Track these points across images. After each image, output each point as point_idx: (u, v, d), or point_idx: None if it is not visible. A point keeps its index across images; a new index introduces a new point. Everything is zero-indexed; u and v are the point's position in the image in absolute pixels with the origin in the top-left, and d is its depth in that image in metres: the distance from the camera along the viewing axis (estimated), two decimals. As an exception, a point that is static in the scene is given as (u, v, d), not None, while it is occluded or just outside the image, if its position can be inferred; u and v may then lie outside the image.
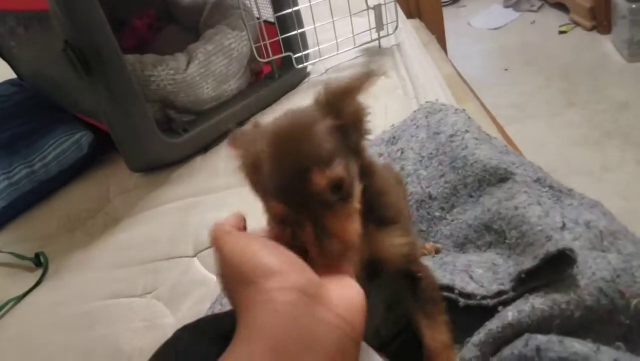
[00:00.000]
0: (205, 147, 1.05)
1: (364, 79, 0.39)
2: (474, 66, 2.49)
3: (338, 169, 0.35)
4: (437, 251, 0.61)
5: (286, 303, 0.31)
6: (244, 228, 0.41)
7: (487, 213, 0.56)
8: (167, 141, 0.99)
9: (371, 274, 0.44)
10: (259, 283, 0.32)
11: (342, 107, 0.38)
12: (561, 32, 2.55)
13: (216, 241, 0.38)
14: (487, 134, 0.77)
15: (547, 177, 0.69)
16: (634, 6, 1.98)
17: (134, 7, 1.34)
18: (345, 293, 0.34)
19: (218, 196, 0.93)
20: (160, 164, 1.02)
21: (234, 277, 0.34)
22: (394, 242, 0.44)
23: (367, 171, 0.41)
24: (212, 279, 0.78)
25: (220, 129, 1.04)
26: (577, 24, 2.52)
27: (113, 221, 0.97)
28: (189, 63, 1.01)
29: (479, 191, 0.59)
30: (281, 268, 0.32)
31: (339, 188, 0.36)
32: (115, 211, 0.99)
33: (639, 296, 0.43)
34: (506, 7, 2.90)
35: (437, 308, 0.46)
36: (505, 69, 2.40)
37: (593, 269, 0.45)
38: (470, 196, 0.60)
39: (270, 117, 1.09)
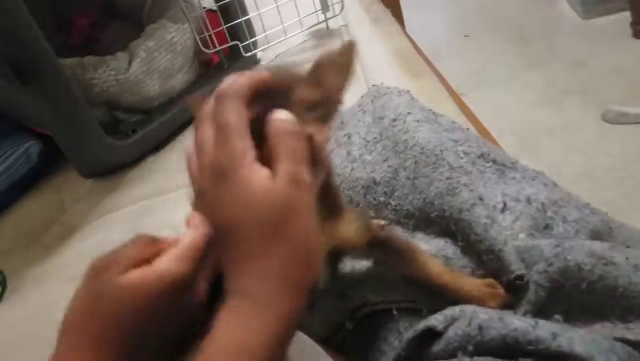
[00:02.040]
0: (156, 147, 1.03)
1: (348, 51, 0.39)
2: (435, 35, 2.48)
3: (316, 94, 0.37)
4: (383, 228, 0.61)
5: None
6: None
7: (430, 206, 0.56)
8: (116, 143, 0.96)
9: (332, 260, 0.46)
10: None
11: (325, 79, 0.39)
12: (517, -7, 2.55)
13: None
14: (433, 113, 0.77)
15: (491, 151, 0.69)
16: (585, -37, 1.99)
17: (75, 5, 1.28)
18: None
19: (173, 196, 0.91)
20: (111, 167, 1.00)
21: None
22: (354, 225, 0.45)
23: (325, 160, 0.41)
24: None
25: (171, 126, 1.02)
26: (532, -16, 2.53)
27: (69, 231, 0.94)
28: (130, 62, 0.98)
29: (415, 173, 0.59)
30: None
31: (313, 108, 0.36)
32: (71, 221, 0.97)
33: (572, 280, 0.44)
34: (462, -29, 2.88)
35: (417, 249, 0.50)
36: (466, 35, 2.40)
37: (530, 265, 0.46)
38: (408, 179, 0.60)
39: None
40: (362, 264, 0.54)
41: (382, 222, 0.61)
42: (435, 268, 0.50)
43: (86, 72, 0.95)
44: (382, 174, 0.62)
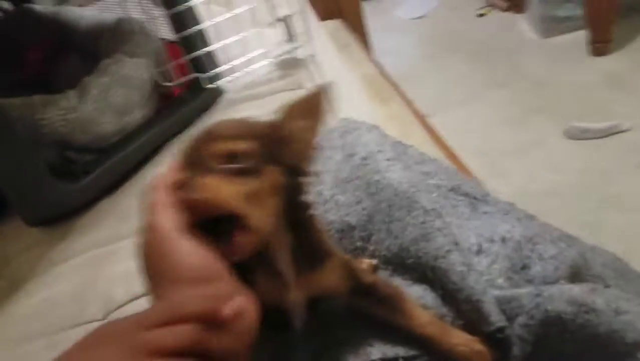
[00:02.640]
0: (111, 188, 0.97)
1: (318, 97, 0.39)
2: (402, 59, 2.51)
3: (238, 146, 0.36)
4: (376, 268, 0.57)
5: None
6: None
7: (406, 253, 0.53)
8: (66, 187, 0.90)
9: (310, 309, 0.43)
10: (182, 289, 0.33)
11: (289, 125, 0.39)
12: (480, 15, 2.62)
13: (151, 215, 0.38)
14: (402, 145, 0.75)
15: (462, 183, 0.67)
16: (542, -15, 2.04)
17: (27, 37, 1.22)
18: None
19: (129, 243, 0.85)
20: (61, 213, 0.92)
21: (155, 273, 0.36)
22: (337, 273, 0.44)
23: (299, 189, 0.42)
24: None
25: (127, 166, 0.96)
26: (493, 6, 2.60)
27: (14, 287, 0.86)
28: (81, 100, 0.93)
29: (389, 217, 0.56)
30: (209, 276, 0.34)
31: (231, 159, 0.36)
32: (16, 274, 0.88)
33: (554, 330, 0.41)
34: (427, -5, 2.95)
35: (403, 297, 0.47)
36: (432, 58, 2.44)
37: (512, 318, 0.43)
38: (384, 223, 0.57)
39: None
40: (333, 326, 0.50)
41: (374, 261, 0.57)
42: (423, 318, 0.47)
43: (35, 112, 0.89)
44: (357, 218, 0.59)
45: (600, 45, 1.93)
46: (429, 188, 0.65)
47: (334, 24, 1.97)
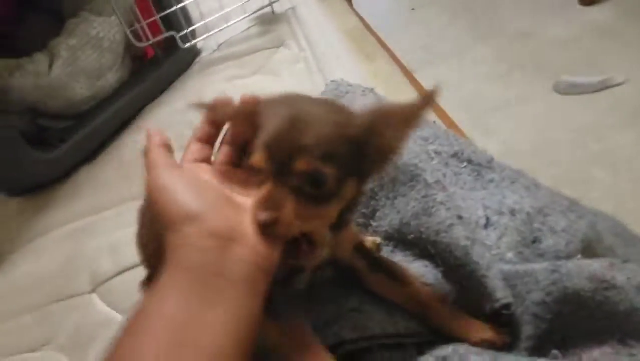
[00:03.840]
0: (89, 157, 0.92)
1: (420, 108, 0.36)
2: (381, 9, 2.42)
3: (326, 170, 0.35)
4: (379, 248, 0.55)
5: (203, 248, 0.34)
6: (169, 145, 0.41)
7: (407, 227, 0.50)
8: (42, 156, 0.85)
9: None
10: (179, 229, 0.34)
11: (381, 133, 0.37)
12: (461, -36, 2.52)
13: (146, 172, 0.39)
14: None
15: (464, 148, 0.64)
16: None
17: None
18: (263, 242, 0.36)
19: (112, 213, 0.81)
20: (38, 184, 0.88)
21: (158, 218, 0.36)
22: (348, 233, 0.45)
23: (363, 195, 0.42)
24: (117, 318, 0.68)
25: (104, 132, 0.91)
26: (475, -47, 2.49)
27: (-5, 259, 0.83)
28: (51, 64, 0.86)
29: (394, 192, 0.53)
30: (201, 211, 0.35)
31: (317, 184, 0.36)
32: (-3, 247, 0.85)
33: (570, 307, 0.39)
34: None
35: (402, 272, 0.46)
36: (412, 8, 2.35)
37: (523, 295, 0.41)
38: (387, 198, 0.54)
39: (163, 108, 0.93)
40: (335, 299, 0.47)
41: (377, 240, 0.55)
42: (426, 291, 0.46)
43: (1, 77, 0.82)
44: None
45: (589, -6, 1.89)
46: (429, 155, 0.62)
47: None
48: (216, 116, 0.42)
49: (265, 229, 0.35)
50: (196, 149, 0.42)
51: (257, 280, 0.35)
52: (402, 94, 1.10)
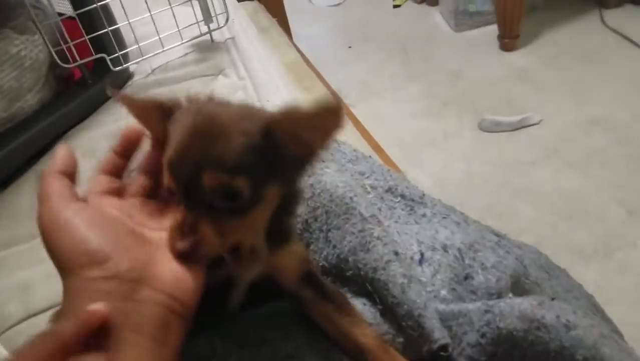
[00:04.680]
0: (2, 184, 0.84)
1: (326, 110, 0.33)
2: (319, 46, 2.48)
3: (238, 182, 0.33)
4: None
5: (107, 292, 0.31)
6: (73, 173, 0.37)
7: (345, 263, 0.49)
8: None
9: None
10: (78, 273, 0.31)
11: (299, 135, 0.35)
12: (395, 6, 2.64)
13: (38, 204, 0.35)
14: (336, 142, 0.71)
15: (398, 183, 0.65)
16: (455, -21, 2.10)
17: None
18: (175, 269, 0.33)
19: (24, 249, 0.74)
20: (-59, 214, 0.79)
21: (54, 258, 0.33)
22: (295, 255, 0.43)
23: (295, 197, 0.41)
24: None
25: (19, 158, 0.84)
26: (408, -4, 2.63)
27: None
28: (-38, 81, 0.79)
29: (328, 225, 0.52)
30: (104, 252, 0.32)
31: (232, 197, 0.34)
32: None
33: (504, 347, 0.40)
34: (343, -17, 2.92)
35: (351, 306, 0.45)
36: (349, 46, 2.42)
37: (459, 335, 0.41)
38: (321, 231, 0.53)
39: (84, 134, 0.88)
40: (272, 342, 0.45)
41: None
42: (367, 328, 0.44)
43: None
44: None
45: (509, 41, 2.03)
46: (365, 189, 0.62)
47: (252, 5, 1.89)
48: (126, 145, 0.40)
49: (186, 257, 0.33)
50: (102, 180, 0.38)
51: (170, 327, 0.32)
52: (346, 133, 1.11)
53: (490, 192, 1.54)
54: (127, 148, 0.40)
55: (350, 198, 0.52)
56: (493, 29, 2.10)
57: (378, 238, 0.48)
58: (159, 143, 0.38)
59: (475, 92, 1.93)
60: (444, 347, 0.42)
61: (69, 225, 0.33)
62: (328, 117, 0.33)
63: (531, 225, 1.40)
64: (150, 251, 0.33)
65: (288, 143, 0.35)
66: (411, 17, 2.53)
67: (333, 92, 0.34)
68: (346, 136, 0.78)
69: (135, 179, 0.40)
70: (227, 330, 0.45)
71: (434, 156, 1.73)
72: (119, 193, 0.39)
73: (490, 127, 1.74)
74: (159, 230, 0.36)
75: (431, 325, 0.43)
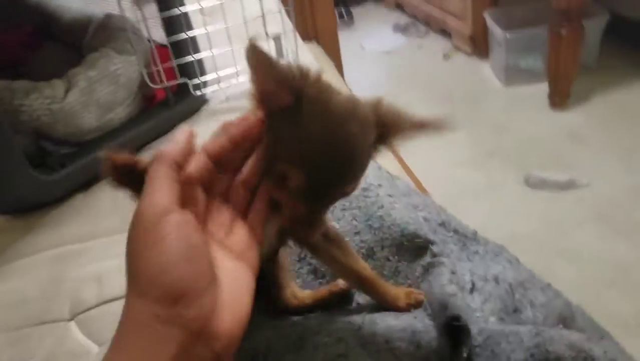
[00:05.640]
0: (87, 184, 0.93)
1: (431, 126, 0.40)
2: (368, 89, 2.56)
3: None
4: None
5: (165, 338, 0.30)
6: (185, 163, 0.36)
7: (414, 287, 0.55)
8: (40, 178, 0.86)
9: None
10: (146, 303, 0.30)
11: (390, 131, 0.39)
12: (445, 57, 2.72)
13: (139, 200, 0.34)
14: (392, 177, 0.76)
15: (451, 219, 0.69)
16: (508, 36, 2.16)
17: (4, 20, 1.17)
18: (230, 327, 0.33)
19: (102, 243, 0.82)
20: (32, 205, 0.89)
21: (131, 269, 0.32)
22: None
23: None
24: (94, 350, 0.68)
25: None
26: (459, 49, 2.71)
27: (-26, 274, 0.81)
28: (67, 91, 0.89)
29: (397, 257, 0.58)
30: (178, 290, 0.30)
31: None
32: (-22, 262, 0.84)
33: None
34: (395, 32, 3.03)
35: (349, 246, 0.52)
36: (396, 91, 2.50)
37: (507, 353, 0.45)
38: (388, 260, 0.58)
39: (167, 144, 0.97)
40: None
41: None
42: (364, 263, 0.53)
43: (15, 98, 0.85)
44: (355, 248, 0.60)
45: (559, 99, 2.06)
46: (419, 220, 0.67)
47: (312, 46, 2.01)
48: (245, 136, 0.37)
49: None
50: (200, 163, 0.35)
51: None
52: (389, 167, 1.17)
53: (531, 250, 1.53)
54: (244, 139, 0.37)
55: (422, 237, 0.58)
56: (543, 87, 2.12)
57: (444, 265, 0.54)
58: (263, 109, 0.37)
59: (522, 147, 1.95)
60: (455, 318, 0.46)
61: (160, 246, 0.31)
62: (434, 129, 0.40)
63: (572, 288, 1.36)
64: (216, 296, 0.32)
65: (386, 142, 0.40)
66: (460, 68, 2.59)
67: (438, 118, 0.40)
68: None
69: (222, 179, 0.38)
70: (283, 331, 0.51)
71: (476, 206, 1.74)
72: (209, 186, 0.36)
73: (537, 184, 1.75)
74: (225, 250, 0.35)
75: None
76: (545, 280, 0.61)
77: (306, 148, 0.35)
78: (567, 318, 0.53)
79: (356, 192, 0.67)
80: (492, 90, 2.35)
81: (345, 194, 0.39)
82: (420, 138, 0.40)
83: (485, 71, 2.50)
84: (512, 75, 2.30)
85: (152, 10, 0.96)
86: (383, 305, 0.55)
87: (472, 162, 1.93)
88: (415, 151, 1.99)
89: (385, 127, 0.39)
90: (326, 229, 0.50)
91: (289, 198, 0.37)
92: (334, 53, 2.08)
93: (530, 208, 1.68)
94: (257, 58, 0.36)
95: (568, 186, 1.71)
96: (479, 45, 2.56)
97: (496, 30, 2.24)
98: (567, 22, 1.89)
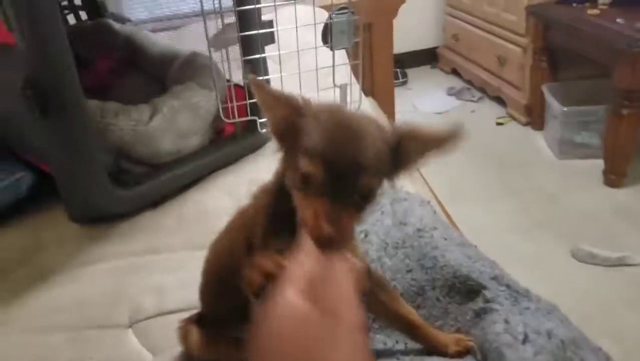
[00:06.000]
0: (156, 203, 1.00)
1: (449, 138, 0.43)
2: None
3: (377, 184, 0.40)
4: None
5: None
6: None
7: (464, 332, 0.57)
8: (116, 192, 0.93)
9: None
10: None
11: (410, 148, 0.42)
12: (498, 124, 2.74)
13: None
14: (449, 227, 0.79)
15: (504, 274, 0.71)
16: (565, 109, 2.18)
17: (98, 48, 1.30)
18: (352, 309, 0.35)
19: (164, 258, 0.87)
20: (104, 216, 0.96)
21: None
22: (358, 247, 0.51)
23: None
24: (148, 358, 0.71)
25: (174, 185, 1.00)
26: (513, 118, 2.73)
27: (40, 277, 0.87)
28: (152, 116, 0.98)
29: (448, 298, 0.60)
30: None
31: (367, 197, 0.39)
32: (45, 265, 0.89)
33: None
34: (449, 95, 3.10)
35: (393, 289, 0.54)
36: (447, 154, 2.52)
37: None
38: (438, 300, 0.60)
39: (229, 177, 1.02)
40: None
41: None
42: (409, 307, 0.55)
43: (105, 117, 0.94)
44: (405, 286, 0.62)
45: (615, 178, 2.03)
46: (473, 266, 0.69)
47: (370, 101, 2.09)
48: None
49: (326, 244, 0.37)
50: (304, 270, 0.36)
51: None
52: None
53: (576, 324, 1.49)
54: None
55: (475, 281, 0.60)
56: (598, 163, 2.10)
57: (498, 312, 0.55)
58: (277, 133, 0.44)
59: (572, 220, 1.92)
60: None
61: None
62: (450, 140, 0.42)
63: None
64: None
65: (411, 154, 0.43)
66: (513, 137, 2.60)
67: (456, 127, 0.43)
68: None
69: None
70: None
71: (521, 274, 1.67)
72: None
73: (586, 259, 1.71)
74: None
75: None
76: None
77: (322, 137, 0.39)
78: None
79: (410, 232, 0.70)
80: (545, 161, 2.34)
81: (363, 193, 0.39)
82: (441, 157, 0.43)
83: (538, 141, 2.49)
84: (567, 148, 2.29)
85: (235, 52, 1.05)
86: (431, 350, 0.56)
87: (520, 230, 1.91)
88: (465, 215, 2.01)
89: (404, 144, 0.42)
90: (372, 274, 0.51)
91: (312, 194, 0.39)
92: (388, 109, 2.16)
93: (576, 281, 1.64)
94: (263, 91, 0.44)
95: (618, 263, 1.66)
96: (534, 115, 2.57)
97: (553, 104, 2.26)
98: (629, 102, 1.89)
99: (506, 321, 0.54)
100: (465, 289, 0.60)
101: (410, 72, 3.37)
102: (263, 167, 1.12)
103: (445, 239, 0.68)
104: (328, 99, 1.20)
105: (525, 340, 0.56)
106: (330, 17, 1.08)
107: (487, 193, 2.17)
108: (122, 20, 1.61)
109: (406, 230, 0.71)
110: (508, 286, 0.68)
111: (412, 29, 3.37)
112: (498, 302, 0.58)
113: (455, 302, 0.59)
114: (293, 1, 1.08)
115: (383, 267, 0.69)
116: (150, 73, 1.26)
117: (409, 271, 0.65)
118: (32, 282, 0.86)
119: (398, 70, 3.27)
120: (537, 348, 0.55)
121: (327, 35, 1.12)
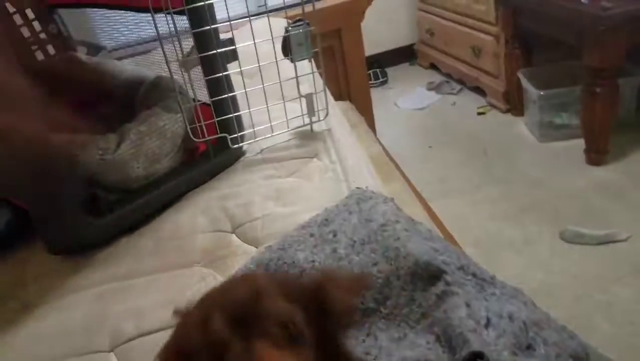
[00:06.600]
0: (131, 228, 1.01)
1: (360, 286, 0.45)
2: (402, 144, 2.63)
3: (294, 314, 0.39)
4: None
5: None
6: None
7: (427, 316, 0.58)
8: (92, 221, 0.94)
9: None
10: None
11: (326, 300, 0.42)
12: (479, 114, 2.77)
13: None
14: (413, 221, 0.81)
15: (470, 264, 0.72)
16: (542, 93, 2.20)
17: (67, 82, 1.31)
18: None
19: (143, 281, 0.88)
20: (82, 246, 0.97)
21: None
22: None
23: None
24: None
25: (148, 209, 1.01)
26: (493, 106, 2.76)
27: (25, 309, 0.89)
28: (120, 143, 1.00)
29: (412, 285, 0.61)
30: None
31: (286, 327, 0.38)
32: (29, 298, 0.91)
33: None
34: (429, 90, 3.13)
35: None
36: (430, 147, 2.55)
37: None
38: (403, 289, 0.61)
39: (203, 195, 1.02)
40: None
41: None
42: None
43: (75, 149, 0.95)
44: (373, 279, 0.63)
45: (596, 155, 2.05)
46: (433, 253, 0.70)
47: (345, 104, 2.12)
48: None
49: None
50: None
51: None
52: (416, 217, 1.20)
53: (568, 304, 1.51)
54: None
55: (436, 267, 0.61)
56: (579, 142, 2.13)
57: (459, 296, 0.56)
58: None
59: (557, 201, 1.94)
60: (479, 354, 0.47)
61: None
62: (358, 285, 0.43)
63: (609, 343, 1.35)
64: None
65: (325, 301, 0.43)
66: (495, 125, 2.63)
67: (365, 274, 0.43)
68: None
69: None
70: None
71: (512, 260, 1.73)
72: None
73: (573, 239, 1.73)
74: None
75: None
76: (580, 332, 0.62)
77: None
78: (581, 359, 0.54)
79: (374, 228, 0.72)
80: (527, 146, 2.37)
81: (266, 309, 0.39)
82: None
83: (519, 127, 2.53)
84: (547, 131, 2.32)
85: (197, 73, 1.06)
86: None
87: (507, 216, 1.93)
88: (450, 205, 2.03)
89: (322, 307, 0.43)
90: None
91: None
92: (366, 110, 2.19)
93: (566, 262, 1.66)
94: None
95: (605, 240, 1.68)
96: (513, 102, 2.60)
97: (530, 89, 2.28)
98: (600, 80, 1.91)
99: (467, 305, 0.55)
100: (427, 275, 0.61)
101: (390, 70, 3.40)
102: (238, 181, 1.15)
103: (407, 230, 0.69)
104: (295, 110, 1.21)
105: (487, 324, 0.57)
106: (286, 30, 1.10)
107: (473, 182, 2.19)
108: (97, 48, 1.62)
109: (371, 226, 0.73)
110: (474, 275, 0.69)
111: (386, 28, 3.41)
112: (459, 284, 0.59)
113: (419, 288, 0.61)
114: (247, 18, 1.09)
115: (351, 263, 0.70)
116: (121, 101, 1.27)
117: (375, 264, 0.67)
118: (17, 316, 0.88)
119: (378, 70, 3.30)
120: (499, 331, 0.56)
121: (287, 48, 1.13)
